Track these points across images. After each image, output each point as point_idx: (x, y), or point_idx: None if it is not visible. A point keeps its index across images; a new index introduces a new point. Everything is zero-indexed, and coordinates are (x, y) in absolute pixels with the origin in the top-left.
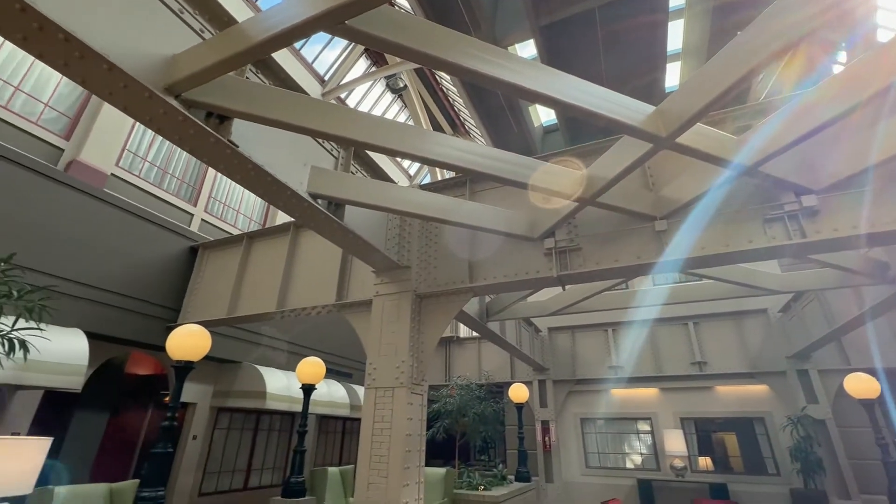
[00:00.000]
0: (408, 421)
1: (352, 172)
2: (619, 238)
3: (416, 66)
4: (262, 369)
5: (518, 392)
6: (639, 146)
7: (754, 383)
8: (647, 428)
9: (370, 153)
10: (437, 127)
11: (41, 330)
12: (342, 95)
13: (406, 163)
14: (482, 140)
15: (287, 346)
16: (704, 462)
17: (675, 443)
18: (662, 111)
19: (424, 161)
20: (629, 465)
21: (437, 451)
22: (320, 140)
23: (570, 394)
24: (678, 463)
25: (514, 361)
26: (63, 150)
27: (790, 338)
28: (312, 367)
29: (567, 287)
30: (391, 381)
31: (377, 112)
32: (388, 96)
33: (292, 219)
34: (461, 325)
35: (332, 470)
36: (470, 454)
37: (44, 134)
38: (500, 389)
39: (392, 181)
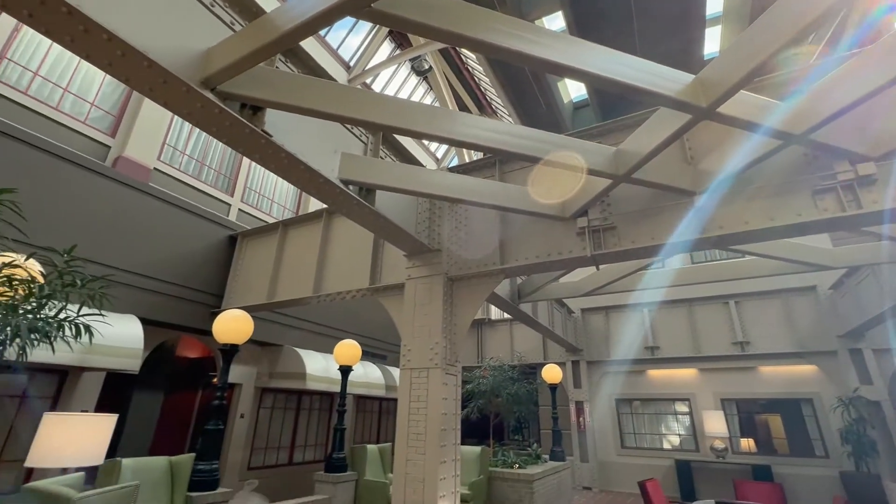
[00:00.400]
0: (443, 400)
1: (381, 157)
2: (656, 215)
3: (442, 46)
4: (302, 352)
5: (551, 373)
6: (677, 118)
7: (801, 363)
8: (685, 409)
9: (398, 137)
10: (463, 108)
11: (102, 315)
12: (368, 81)
13: (433, 146)
14: (509, 119)
15: (324, 330)
16: (747, 443)
17: (716, 424)
18: (702, 80)
19: (453, 143)
20: (666, 445)
21: (472, 431)
22: (349, 126)
23: (605, 375)
24: (718, 444)
25: (546, 343)
26: (110, 147)
27: (842, 316)
28: (349, 349)
29: (601, 267)
30: (425, 362)
31: (403, 96)
32: (414, 79)
33: (324, 206)
34: (492, 308)
35: (371, 447)
36: (504, 434)
37: (92, 132)
38: (533, 371)
39: (420, 165)
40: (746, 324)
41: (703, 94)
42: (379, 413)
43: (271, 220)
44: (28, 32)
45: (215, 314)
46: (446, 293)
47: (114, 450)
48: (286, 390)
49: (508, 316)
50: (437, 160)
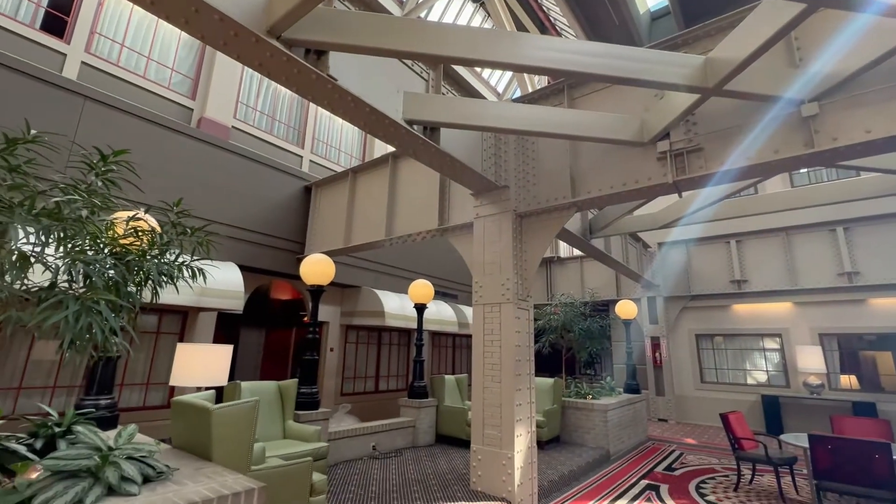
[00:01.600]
0: (516, 333)
1: (443, 94)
2: (751, 131)
3: None
4: (379, 292)
5: (626, 308)
6: (785, 9)
7: None
8: (775, 345)
9: (459, 71)
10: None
11: (211, 260)
12: (422, 14)
13: (494, 80)
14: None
15: (398, 272)
16: (848, 380)
17: (811, 360)
18: None
19: (520, 69)
20: (750, 381)
21: (544, 365)
22: (409, 63)
23: (685, 310)
24: (813, 380)
25: (619, 278)
26: (192, 110)
27: None
28: (423, 288)
29: (684, 194)
30: (497, 297)
31: None
32: (469, 7)
33: (389, 151)
34: (561, 245)
35: (449, 377)
36: (576, 369)
37: (175, 97)
38: (606, 307)
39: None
40: (856, 252)
41: None
42: (453, 348)
43: (340, 169)
44: (109, 4)
45: (300, 260)
46: (515, 230)
47: (231, 376)
48: (367, 327)
49: (579, 253)
50: (497, 95)
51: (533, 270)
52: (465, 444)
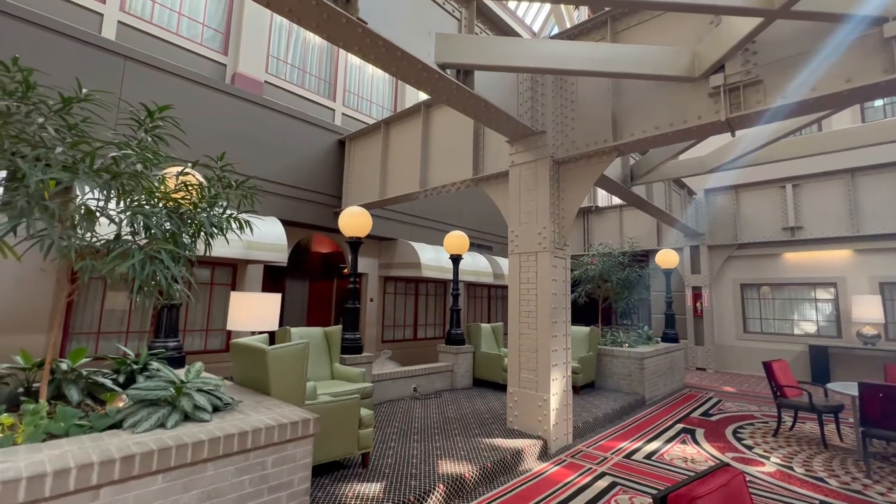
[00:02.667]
0: (552, 282)
1: (476, 33)
2: (819, 58)
3: None
4: (415, 244)
5: (667, 257)
6: None
7: None
8: (828, 295)
9: (493, 6)
10: None
11: (256, 213)
12: None
13: (529, 18)
14: None
15: (433, 224)
16: None
17: (868, 309)
18: None
19: None
20: (797, 331)
21: (580, 316)
22: (440, 1)
23: (730, 259)
24: (869, 330)
25: (661, 227)
26: (225, 66)
27: None
28: (458, 239)
29: (737, 134)
30: (534, 246)
31: None
32: None
33: (421, 101)
34: (599, 194)
35: (485, 325)
36: (612, 319)
37: (208, 52)
38: (645, 257)
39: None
40: None
41: None
42: (488, 298)
43: (372, 121)
44: None
45: (337, 213)
46: (553, 177)
47: (280, 323)
48: (405, 278)
49: (618, 202)
50: (533, 34)
51: (570, 219)
52: (501, 387)
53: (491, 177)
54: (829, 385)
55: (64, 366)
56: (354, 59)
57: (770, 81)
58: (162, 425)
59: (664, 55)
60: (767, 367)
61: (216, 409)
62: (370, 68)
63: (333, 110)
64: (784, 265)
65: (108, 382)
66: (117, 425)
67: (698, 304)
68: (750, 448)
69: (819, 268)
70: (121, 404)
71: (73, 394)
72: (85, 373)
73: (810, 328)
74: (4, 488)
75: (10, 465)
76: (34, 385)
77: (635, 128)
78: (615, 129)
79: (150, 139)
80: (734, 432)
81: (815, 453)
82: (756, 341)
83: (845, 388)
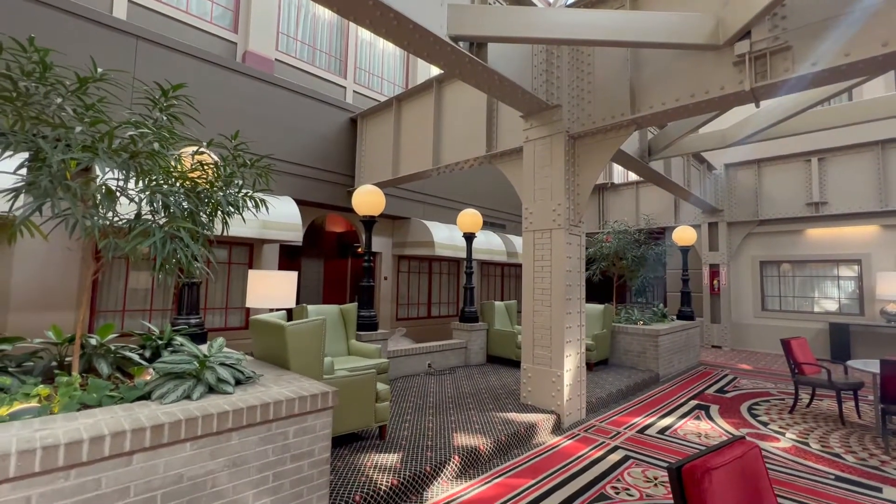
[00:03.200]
0: (567, 259)
1: (489, 3)
2: (854, 20)
3: None
4: (428, 223)
5: (684, 234)
6: None
7: None
8: (851, 272)
9: None
10: None
11: (272, 192)
12: None
13: None
14: None
15: (446, 203)
16: None
17: (894, 286)
18: None
19: None
20: (817, 309)
21: (594, 294)
22: None
23: (750, 236)
24: (893, 308)
25: (678, 204)
26: (236, 44)
27: None
28: (471, 217)
29: (762, 104)
30: (548, 223)
31: None
32: None
33: (433, 76)
34: (615, 170)
35: (498, 303)
36: (626, 297)
37: (218, 31)
38: (662, 234)
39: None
40: None
41: None
42: (501, 277)
43: (383, 98)
44: None
45: (350, 192)
46: (568, 152)
47: (296, 301)
48: (418, 257)
49: (634, 178)
50: (548, 3)
51: (586, 195)
52: (514, 364)
53: (505, 153)
54: (849, 362)
55: (93, 341)
56: (365, 35)
57: (799, 47)
58: (188, 397)
59: (686, 22)
60: (786, 344)
61: (238, 382)
62: (381, 44)
63: (345, 88)
64: (806, 242)
65: (136, 357)
66: (146, 396)
67: (715, 282)
68: (765, 424)
69: (843, 244)
70: (148, 377)
71: (104, 367)
72: (113, 347)
73: (831, 306)
74: (45, 453)
75: (50, 433)
76: (66, 359)
77: (654, 100)
78: (633, 102)
79: (165, 118)
80: (749, 409)
81: (832, 430)
82: (774, 319)
83: (866, 366)
